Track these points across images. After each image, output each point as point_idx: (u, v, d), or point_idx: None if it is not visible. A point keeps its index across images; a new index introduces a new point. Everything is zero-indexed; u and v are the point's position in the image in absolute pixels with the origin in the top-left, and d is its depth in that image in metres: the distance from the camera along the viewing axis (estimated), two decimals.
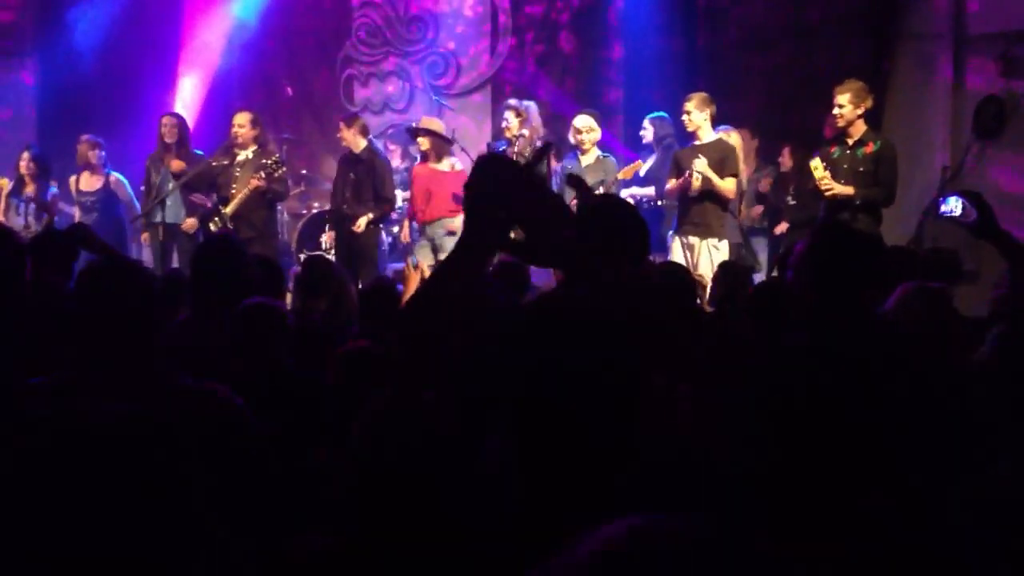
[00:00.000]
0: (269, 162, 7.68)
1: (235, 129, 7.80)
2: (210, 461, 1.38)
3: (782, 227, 7.76)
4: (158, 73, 10.78)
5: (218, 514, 1.28)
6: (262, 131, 7.94)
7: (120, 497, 1.15)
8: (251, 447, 2.30)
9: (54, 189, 8.42)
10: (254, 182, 7.58)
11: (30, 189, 8.29)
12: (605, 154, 7.68)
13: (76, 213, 8.28)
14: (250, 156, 7.78)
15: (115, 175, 8.54)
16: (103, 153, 8.50)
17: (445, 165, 8.09)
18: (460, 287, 1.57)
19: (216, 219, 7.64)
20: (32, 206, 8.18)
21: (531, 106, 7.89)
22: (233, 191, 7.67)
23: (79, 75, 10.21)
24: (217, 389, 2.35)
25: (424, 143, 8.05)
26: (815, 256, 2.83)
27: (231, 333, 3.18)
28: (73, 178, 8.48)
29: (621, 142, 9.16)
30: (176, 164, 7.99)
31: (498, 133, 8.64)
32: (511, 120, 7.74)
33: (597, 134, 7.58)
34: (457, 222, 7.76)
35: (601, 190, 7.08)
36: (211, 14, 10.93)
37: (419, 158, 8.43)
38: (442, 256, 7.63)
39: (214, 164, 7.87)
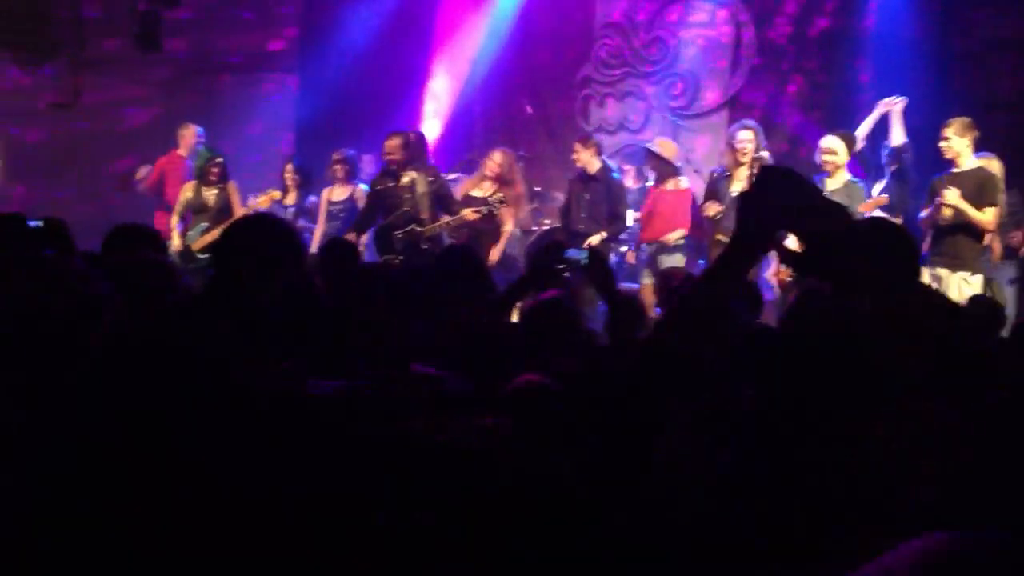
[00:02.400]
0: (494, 199, 7.82)
1: (387, 155, 7.81)
2: None
3: None
4: (407, 92, 11.29)
5: None
6: (411, 152, 7.87)
7: None
8: None
9: (313, 197, 8.98)
10: (470, 214, 7.71)
11: (291, 199, 8.86)
12: (854, 180, 7.35)
13: (318, 227, 8.72)
14: (415, 178, 7.77)
15: (361, 187, 8.98)
16: (350, 167, 8.94)
17: (669, 185, 8.16)
18: (724, 291, 1.55)
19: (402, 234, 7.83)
20: (291, 211, 8.74)
21: (759, 128, 7.71)
22: (408, 211, 7.69)
23: (335, 93, 10.84)
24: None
25: (653, 164, 8.19)
26: None
27: (520, 327, 3.28)
28: (327, 190, 8.98)
29: (863, 169, 8.77)
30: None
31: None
32: (747, 142, 7.48)
33: (839, 157, 7.23)
34: (673, 237, 7.93)
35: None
36: (459, 38, 11.35)
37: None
38: None
39: (378, 188, 7.95)
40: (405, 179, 7.76)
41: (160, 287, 2.70)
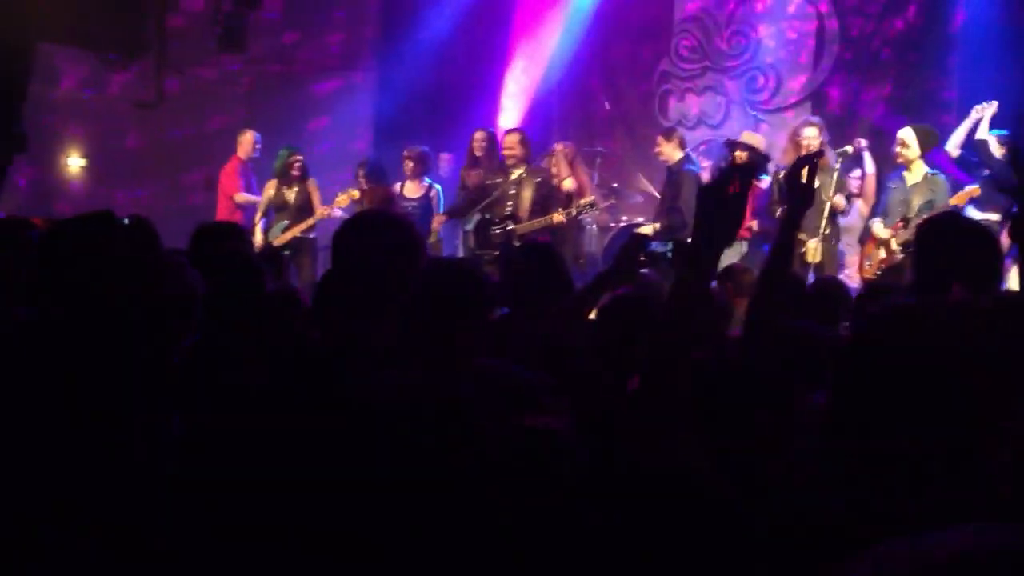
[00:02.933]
0: (584, 203, 7.84)
1: (506, 150, 8.07)
2: None
3: None
4: (484, 90, 11.31)
5: None
6: (529, 149, 8.14)
7: None
8: None
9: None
10: (558, 217, 7.78)
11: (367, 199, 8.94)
12: (934, 172, 7.16)
13: None
14: (523, 174, 7.98)
15: (436, 186, 9.01)
16: (418, 163, 8.97)
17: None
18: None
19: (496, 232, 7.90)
20: None
21: (823, 125, 7.55)
22: (510, 208, 7.91)
23: (413, 90, 10.91)
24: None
25: (741, 157, 8.00)
26: None
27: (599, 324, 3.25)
28: (398, 185, 9.03)
29: (954, 163, 8.52)
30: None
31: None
32: (812, 138, 7.27)
33: (910, 150, 7.07)
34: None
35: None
36: (537, 34, 11.33)
37: None
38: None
39: (488, 183, 8.15)
40: (514, 175, 7.99)
41: (247, 281, 2.73)
